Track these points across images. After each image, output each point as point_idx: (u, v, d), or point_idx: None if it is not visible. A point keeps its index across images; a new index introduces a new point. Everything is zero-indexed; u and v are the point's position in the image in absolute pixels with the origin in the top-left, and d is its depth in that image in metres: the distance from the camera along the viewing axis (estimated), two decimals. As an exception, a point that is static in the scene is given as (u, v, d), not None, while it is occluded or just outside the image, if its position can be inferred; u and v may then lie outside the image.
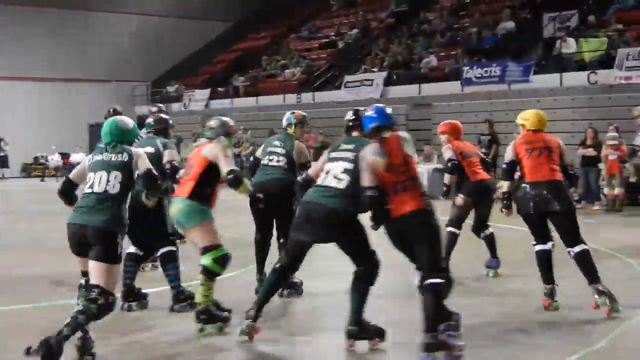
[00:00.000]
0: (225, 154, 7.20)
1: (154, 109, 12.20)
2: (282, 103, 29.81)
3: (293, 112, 9.00)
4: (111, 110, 11.24)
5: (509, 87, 22.46)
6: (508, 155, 8.21)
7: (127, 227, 6.42)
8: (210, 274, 7.10)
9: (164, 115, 8.85)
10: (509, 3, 27.16)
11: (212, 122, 7.50)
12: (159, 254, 8.17)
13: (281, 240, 8.60)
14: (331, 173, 6.53)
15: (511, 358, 6.36)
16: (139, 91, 38.36)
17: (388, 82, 26.25)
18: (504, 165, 8.19)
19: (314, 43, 34.00)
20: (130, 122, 6.76)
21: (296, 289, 8.71)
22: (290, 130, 8.85)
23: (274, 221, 8.77)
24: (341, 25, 34.15)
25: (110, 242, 6.17)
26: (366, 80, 26.82)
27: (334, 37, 32.95)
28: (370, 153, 6.32)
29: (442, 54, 26.30)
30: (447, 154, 9.84)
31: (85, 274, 6.43)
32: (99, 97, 38.24)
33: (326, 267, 10.07)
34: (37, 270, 10.55)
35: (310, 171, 7.25)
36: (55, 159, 33.08)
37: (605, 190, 18.18)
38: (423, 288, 6.17)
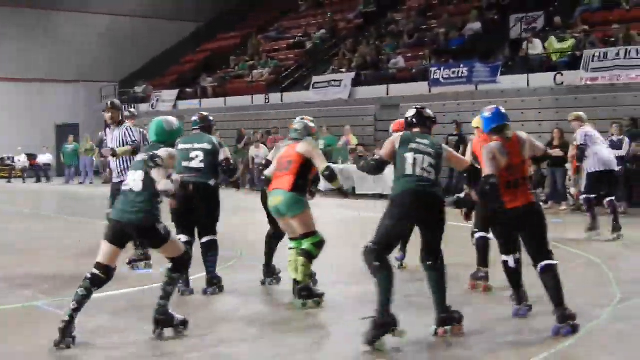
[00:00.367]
0: (318, 152, 8.42)
1: (127, 113, 12.16)
2: (251, 104, 29.83)
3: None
4: (109, 103, 11.10)
5: (477, 88, 22.60)
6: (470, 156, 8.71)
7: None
8: (309, 256, 8.26)
9: (206, 114, 9.42)
10: (476, 4, 27.32)
11: (297, 125, 8.61)
12: (203, 241, 8.94)
13: None
14: (418, 165, 7.03)
15: (477, 359, 6.43)
16: (106, 91, 38.11)
17: (356, 82, 26.30)
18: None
19: (282, 43, 34.01)
20: (174, 123, 7.32)
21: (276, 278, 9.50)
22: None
23: None
24: (309, 26, 34.16)
25: (152, 233, 6.86)
26: (334, 80, 26.86)
27: (301, 38, 32.96)
28: (497, 150, 7.01)
29: (410, 54, 26.41)
30: None
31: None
32: (67, 98, 38.17)
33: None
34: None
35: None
36: (22, 160, 32.84)
37: (572, 191, 18.35)
38: (541, 271, 6.96)
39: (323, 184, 11.77)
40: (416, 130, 7.42)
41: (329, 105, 26.46)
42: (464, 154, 20.92)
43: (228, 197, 19.96)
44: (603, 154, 13.11)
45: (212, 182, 8.83)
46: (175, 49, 40.53)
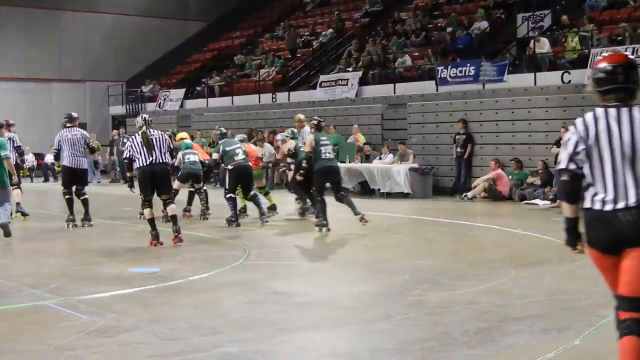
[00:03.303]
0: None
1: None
2: (257, 103, 29.82)
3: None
4: (66, 117, 11.26)
5: (484, 87, 22.58)
6: None
7: None
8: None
9: None
10: (482, 3, 27.29)
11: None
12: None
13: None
14: (327, 152, 13.89)
15: (485, 357, 6.41)
16: (113, 91, 38.20)
17: (363, 81, 26.32)
18: None
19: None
20: None
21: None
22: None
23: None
24: (316, 25, 34.16)
25: None
26: (341, 80, 26.87)
27: (308, 37, 32.95)
28: None
29: (417, 53, 26.39)
30: None
31: None
32: (74, 97, 38.21)
33: (301, 267, 10.10)
34: None
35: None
36: (29, 160, 32.87)
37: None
38: None
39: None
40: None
41: (335, 104, 26.45)
42: (471, 153, 21.18)
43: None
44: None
45: None
46: (181, 48, 40.59)
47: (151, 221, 12.65)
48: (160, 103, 34.50)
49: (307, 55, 31.61)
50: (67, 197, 15.43)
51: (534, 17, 24.51)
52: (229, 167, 15.51)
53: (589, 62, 20.02)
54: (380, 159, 22.23)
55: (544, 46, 22.21)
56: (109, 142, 31.50)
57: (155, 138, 12.54)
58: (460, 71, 23.10)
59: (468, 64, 23.10)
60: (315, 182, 14.40)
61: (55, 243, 13.90)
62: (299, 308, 8.08)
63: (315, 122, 14.91)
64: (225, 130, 16.49)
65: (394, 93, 25.01)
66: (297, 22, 36.36)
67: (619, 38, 21.03)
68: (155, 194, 12.78)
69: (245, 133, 21.39)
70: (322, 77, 27.97)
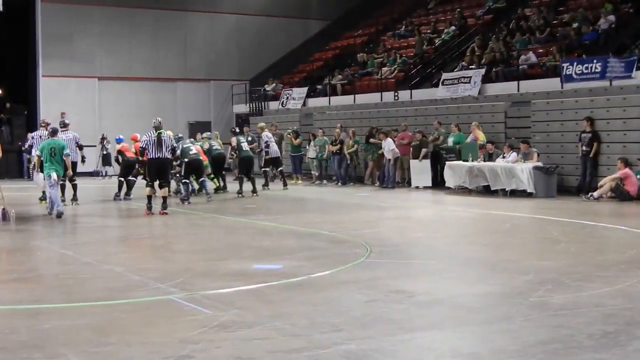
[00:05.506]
0: None
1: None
2: (380, 101, 29.81)
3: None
4: (61, 123, 13.30)
5: (611, 84, 21.99)
6: None
7: None
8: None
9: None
10: (609, -2, 26.58)
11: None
12: None
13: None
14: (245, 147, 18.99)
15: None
16: (237, 90, 38.79)
17: (486, 79, 26.01)
18: None
19: (411, 41, 33.84)
20: None
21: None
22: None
23: None
24: (438, 23, 33.93)
25: None
26: (464, 77, 26.61)
27: (430, 35, 32.75)
28: None
29: (541, 50, 25.90)
30: None
31: None
32: (198, 96, 38.99)
33: (423, 266, 10.07)
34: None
35: None
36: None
37: None
38: None
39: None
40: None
41: (458, 102, 26.20)
42: (598, 151, 20.66)
43: (348, 195, 20.14)
44: None
45: None
46: (303, 47, 40.87)
47: (150, 197, 17.59)
48: (282, 102, 34.85)
49: (429, 53, 31.42)
50: (61, 183, 18.78)
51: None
52: (186, 160, 21.05)
53: None
54: (504, 157, 21.90)
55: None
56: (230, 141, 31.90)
57: (164, 139, 17.48)
58: (586, 68, 22.56)
59: (594, 60, 22.53)
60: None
61: (180, 239, 14.22)
62: (420, 307, 8.04)
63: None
64: (181, 135, 23.64)
65: (518, 91, 24.62)
66: (419, 20, 36.20)
67: None
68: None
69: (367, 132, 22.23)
70: (445, 75, 27.76)
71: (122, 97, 37.15)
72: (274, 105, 35.53)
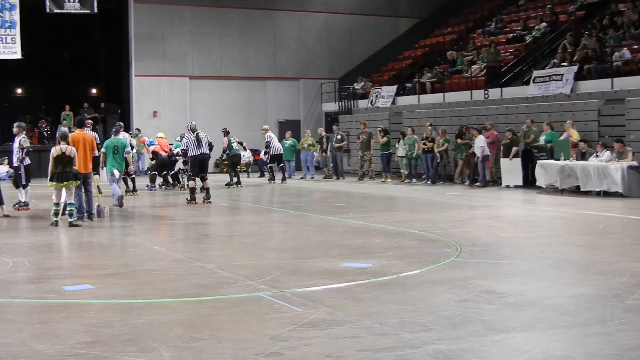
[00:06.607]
0: None
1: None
2: (470, 99, 29.56)
3: None
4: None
5: None
6: None
7: None
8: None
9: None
10: None
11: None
12: None
13: None
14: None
15: None
16: (326, 89, 38.90)
17: (579, 77, 25.55)
18: None
19: (501, 38, 33.45)
20: None
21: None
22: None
23: None
24: (529, 20, 33.46)
25: None
26: (556, 75, 26.18)
27: (521, 32, 32.32)
28: None
29: (636, 46, 25.31)
30: None
31: None
32: (288, 95, 39.19)
33: (514, 267, 9.95)
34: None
35: None
36: (246, 156, 33.98)
37: None
38: None
39: None
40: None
41: (550, 100, 25.79)
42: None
43: (438, 194, 20.07)
44: None
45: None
46: (392, 46, 40.75)
47: (193, 190, 20.33)
48: (372, 100, 34.82)
49: (520, 51, 31.01)
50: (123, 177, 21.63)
51: None
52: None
53: None
54: (597, 156, 21.46)
55: None
56: (319, 139, 32.06)
57: (202, 138, 20.42)
58: (685, 64, 21.98)
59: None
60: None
61: (271, 237, 14.33)
62: (512, 308, 7.95)
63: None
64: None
65: (612, 88, 24.12)
66: (509, 17, 35.76)
67: None
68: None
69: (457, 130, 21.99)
70: (536, 73, 27.35)
71: (213, 96, 37.61)
72: (363, 103, 35.53)
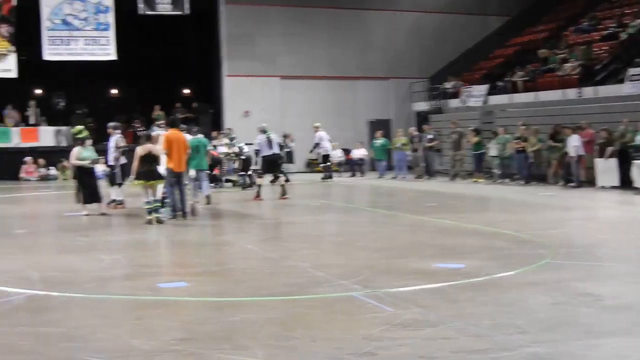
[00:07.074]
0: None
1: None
2: (562, 98, 29.07)
3: None
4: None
5: None
6: None
7: None
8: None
9: None
10: None
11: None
12: None
13: None
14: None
15: None
16: (416, 88, 38.71)
17: (676, 74, 24.93)
18: None
19: (594, 35, 32.81)
20: None
21: None
22: None
23: None
24: (623, 16, 32.74)
25: None
26: (652, 73, 25.59)
27: (615, 29, 31.64)
28: None
29: None
30: None
31: None
32: (378, 94, 39.11)
33: (611, 269, 9.76)
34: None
35: None
36: (337, 155, 34.01)
37: None
38: None
39: None
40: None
41: (645, 99, 25.19)
42: None
43: (531, 194, 19.80)
44: None
45: None
46: (483, 44, 40.31)
47: (260, 186, 21.54)
48: (463, 99, 34.53)
49: (614, 48, 30.37)
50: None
51: None
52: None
53: None
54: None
55: None
56: (410, 138, 31.88)
57: (273, 139, 21.62)
58: None
59: None
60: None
61: (362, 237, 14.30)
62: (609, 311, 7.79)
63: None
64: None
65: None
66: (602, 14, 35.04)
67: None
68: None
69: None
70: (631, 71, 26.76)
71: (303, 96, 37.72)
72: (454, 102, 35.26)
